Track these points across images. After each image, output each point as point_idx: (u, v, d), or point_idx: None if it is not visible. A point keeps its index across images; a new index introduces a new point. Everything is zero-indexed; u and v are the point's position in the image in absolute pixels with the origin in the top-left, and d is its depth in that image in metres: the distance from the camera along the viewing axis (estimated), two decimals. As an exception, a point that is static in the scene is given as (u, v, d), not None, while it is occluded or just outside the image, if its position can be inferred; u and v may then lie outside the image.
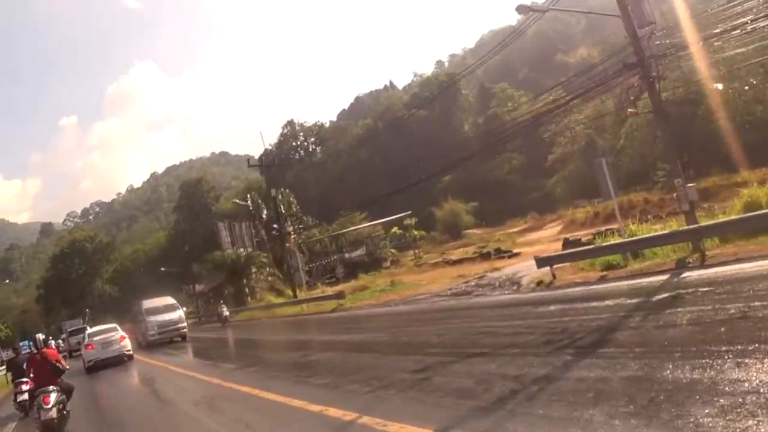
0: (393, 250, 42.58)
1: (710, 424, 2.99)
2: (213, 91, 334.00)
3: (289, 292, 30.87)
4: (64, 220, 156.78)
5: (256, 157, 65.90)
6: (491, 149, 41.07)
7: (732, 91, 30.74)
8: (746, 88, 31.96)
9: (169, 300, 22.40)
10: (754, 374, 3.58)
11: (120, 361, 17.14)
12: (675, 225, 13.58)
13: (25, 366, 9.30)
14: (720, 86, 27.20)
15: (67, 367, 8.33)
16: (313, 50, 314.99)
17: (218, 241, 40.06)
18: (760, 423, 2.87)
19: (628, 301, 7.73)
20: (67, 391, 7.68)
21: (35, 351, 8.25)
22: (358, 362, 8.08)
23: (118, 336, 17.76)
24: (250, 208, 40.00)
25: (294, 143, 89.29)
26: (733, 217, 11.80)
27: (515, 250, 26.04)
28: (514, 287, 13.82)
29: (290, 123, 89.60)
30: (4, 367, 21.75)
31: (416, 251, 40.55)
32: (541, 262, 13.12)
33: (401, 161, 62.04)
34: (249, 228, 39.41)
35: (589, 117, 46.61)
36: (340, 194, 64.24)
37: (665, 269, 10.14)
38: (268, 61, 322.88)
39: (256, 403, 6.71)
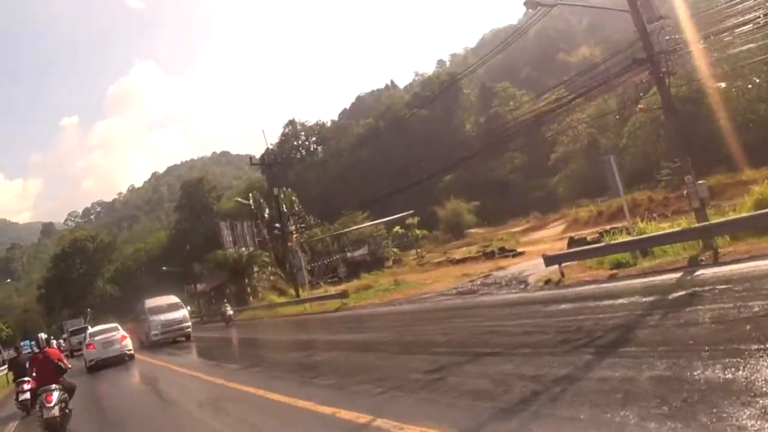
0: (395, 250, 42.43)
1: (755, 427, 2.81)
2: (214, 91, 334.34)
3: (292, 291, 30.73)
4: (66, 220, 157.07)
5: (258, 156, 65.67)
6: (493, 148, 40.89)
7: (735, 89, 30.56)
8: (749, 86, 31.78)
9: (173, 299, 21.96)
10: (793, 374, 3.41)
11: (121, 360, 17.17)
12: (684, 223, 13.40)
13: (27, 365, 9.33)
14: (723, 85, 27.04)
15: (69, 366, 8.31)
16: (314, 50, 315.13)
17: (220, 241, 39.89)
18: (809, 425, 2.69)
19: (644, 299, 7.54)
20: (69, 390, 7.71)
21: (37, 350, 8.27)
22: (365, 362, 7.88)
23: (119, 336, 17.81)
24: (252, 207, 39.85)
25: (295, 142, 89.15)
26: (744, 214, 11.63)
27: (519, 249, 25.85)
28: (521, 286, 13.63)
29: (292, 122, 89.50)
30: (5, 366, 21.70)
31: (418, 250, 40.38)
32: (550, 260, 12.93)
33: (403, 160, 61.86)
34: (251, 227, 39.23)
35: (591, 116, 46.46)
36: (341, 194, 64.10)
37: (678, 267, 9.95)
38: (270, 60, 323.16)
39: (261, 404, 6.53)
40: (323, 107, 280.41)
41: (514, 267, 18.64)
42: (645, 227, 14.22)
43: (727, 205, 17.64)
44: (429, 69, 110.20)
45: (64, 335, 38.04)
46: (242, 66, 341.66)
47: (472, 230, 48.88)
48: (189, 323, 20.67)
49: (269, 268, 36.76)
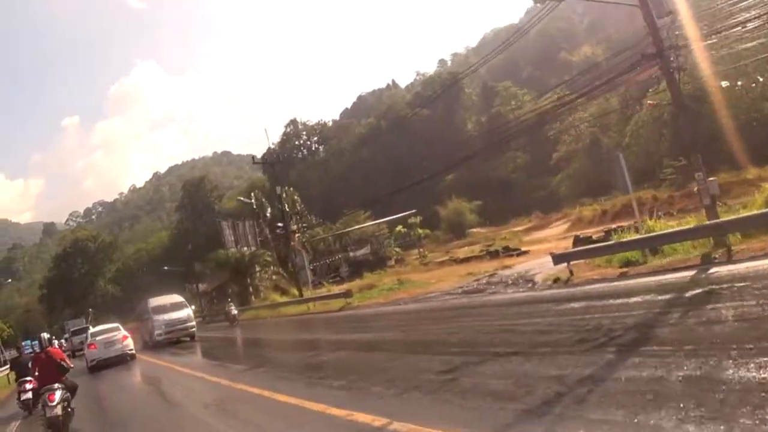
0: (397, 249, 42.25)
1: (805, 430, 2.64)
2: (215, 91, 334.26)
3: (294, 291, 30.57)
4: (67, 220, 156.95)
5: (259, 156, 65.53)
6: (495, 148, 40.74)
7: (739, 88, 30.38)
8: (753, 85, 31.60)
9: (177, 298, 21.58)
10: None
11: (122, 360, 17.17)
12: (694, 221, 13.23)
13: (30, 365, 9.33)
14: (725, 84, 26.86)
15: (72, 365, 8.28)
16: (315, 49, 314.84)
17: (221, 240, 39.71)
18: None
19: (659, 297, 7.37)
20: (71, 389, 7.76)
21: (39, 350, 8.31)
22: (375, 362, 7.68)
23: (120, 335, 17.84)
24: (254, 206, 39.70)
25: (297, 142, 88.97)
26: (756, 211, 11.46)
27: (523, 248, 25.68)
28: (529, 285, 13.46)
29: (293, 122, 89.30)
30: (7, 366, 21.62)
31: (421, 250, 40.21)
32: (558, 258, 12.75)
33: (404, 160, 61.71)
34: (253, 227, 39.06)
35: (593, 115, 46.31)
36: (343, 193, 63.97)
37: (690, 265, 9.79)
38: (271, 60, 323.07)
39: (269, 405, 6.32)
40: (324, 107, 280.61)
41: (519, 266, 18.46)
42: (654, 225, 14.05)
43: (733, 203, 17.49)
44: (430, 68, 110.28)
45: (66, 335, 37.93)
46: (243, 66, 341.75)
47: (474, 230, 48.71)
48: (193, 323, 20.26)
49: (271, 267, 36.60)
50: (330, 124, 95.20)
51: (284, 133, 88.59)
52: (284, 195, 32.80)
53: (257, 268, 36.14)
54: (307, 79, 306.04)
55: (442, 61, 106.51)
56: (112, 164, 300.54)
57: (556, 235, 32.40)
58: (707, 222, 11.33)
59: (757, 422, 2.85)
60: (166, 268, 54.39)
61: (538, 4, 12.98)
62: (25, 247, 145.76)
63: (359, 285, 25.08)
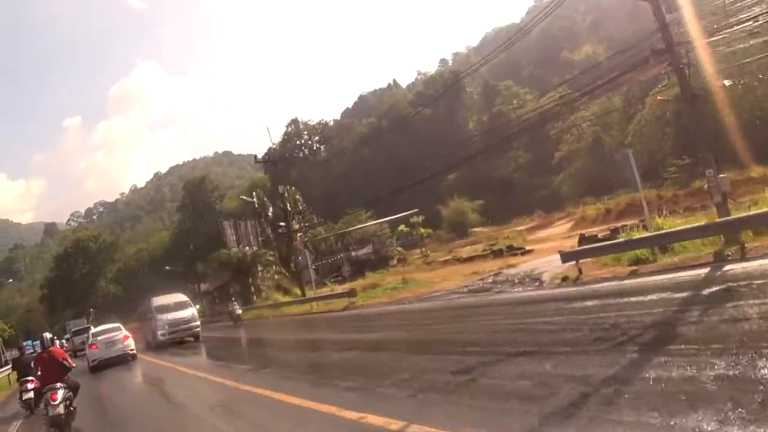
0: (399, 249, 42.08)
1: None
2: (216, 91, 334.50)
3: (296, 290, 30.42)
4: (68, 220, 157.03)
5: (260, 156, 65.35)
6: (497, 147, 40.58)
7: (742, 86, 30.18)
8: (756, 84, 31.40)
9: (181, 297, 21.06)
10: None
11: (124, 360, 17.17)
12: (704, 218, 13.06)
13: (32, 364, 9.46)
14: (727, 83, 26.66)
15: (74, 365, 8.28)
16: (316, 49, 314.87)
17: (223, 240, 39.51)
18: None
19: (676, 295, 7.19)
20: (73, 389, 7.82)
21: (42, 350, 8.28)
22: (385, 362, 7.45)
23: (121, 335, 17.89)
24: (256, 205, 39.53)
25: (298, 142, 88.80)
26: (767, 209, 11.30)
27: (528, 247, 25.48)
28: (536, 284, 13.29)
29: (294, 121, 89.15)
30: (9, 366, 21.54)
31: (423, 249, 40.04)
32: (567, 256, 12.58)
33: (406, 159, 61.51)
34: (254, 226, 38.85)
35: (596, 114, 46.15)
36: (344, 193, 63.84)
37: (703, 263, 9.62)
38: (272, 60, 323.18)
39: (277, 407, 6.08)
40: (325, 106, 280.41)
41: (524, 265, 18.28)
42: (663, 223, 13.88)
43: (740, 201, 17.30)
44: (431, 68, 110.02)
45: (67, 335, 37.85)
46: (244, 66, 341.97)
47: (476, 229, 48.54)
48: (198, 322, 19.75)
49: (273, 267, 36.43)
50: (331, 123, 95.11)
51: (285, 133, 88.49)
52: (286, 194, 32.63)
53: (259, 268, 36.00)
54: (308, 79, 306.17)
55: (443, 61, 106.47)
56: (113, 164, 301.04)
57: (560, 234, 32.21)
58: (719, 219, 11.17)
59: (806, 425, 2.69)
60: (167, 267, 54.28)
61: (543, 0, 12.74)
62: (27, 248, 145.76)
63: (362, 284, 24.94)
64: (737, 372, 3.67)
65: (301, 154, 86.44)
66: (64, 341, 34.50)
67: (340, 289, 25.07)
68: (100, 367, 16.65)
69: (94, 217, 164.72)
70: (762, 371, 3.55)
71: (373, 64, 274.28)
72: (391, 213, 42.28)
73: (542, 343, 6.09)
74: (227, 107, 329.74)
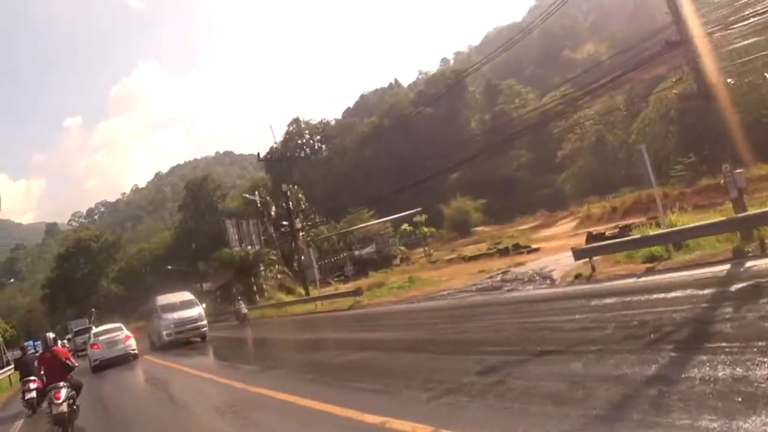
0: (402, 248, 41.85)
1: None
2: (217, 91, 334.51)
3: (300, 289, 30.18)
4: (69, 220, 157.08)
5: (262, 155, 64.97)
6: (499, 146, 40.35)
7: (747, 84, 29.93)
8: (761, 82, 31.15)
9: (187, 295, 20.33)
10: None
11: (125, 360, 17.09)
12: (715, 216, 12.82)
13: (36, 363, 9.59)
14: (731, 81, 26.41)
15: (77, 364, 8.38)
16: (317, 48, 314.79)
17: (225, 239, 39.37)
18: None
19: (701, 292, 6.94)
20: (76, 388, 7.90)
21: (44, 350, 8.40)
22: (403, 363, 7.12)
23: (122, 335, 17.85)
24: (258, 204, 39.34)
25: (299, 141, 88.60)
26: (785, 205, 11.07)
27: (534, 246, 25.24)
28: (547, 282, 13.05)
29: (296, 121, 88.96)
30: (11, 367, 21.40)
31: (426, 248, 39.81)
32: (580, 253, 12.33)
33: (408, 159, 61.25)
34: (257, 225, 38.73)
35: (599, 112, 45.90)
36: (346, 192, 63.64)
37: (722, 259, 9.37)
38: (273, 59, 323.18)
39: (292, 411, 5.71)
40: (327, 106, 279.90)
41: (532, 263, 18.03)
42: (676, 220, 13.64)
43: (749, 198, 17.05)
44: (432, 67, 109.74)
45: (69, 335, 37.67)
46: (245, 65, 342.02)
47: (479, 228, 48.35)
48: (205, 322, 19.06)
49: (276, 266, 36.19)
50: (333, 123, 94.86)
51: (287, 132, 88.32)
52: (289, 193, 32.42)
53: (262, 267, 35.73)
54: (309, 79, 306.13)
55: (444, 60, 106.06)
56: (114, 164, 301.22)
57: (564, 232, 31.97)
58: (736, 215, 10.93)
59: None
60: (169, 267, 54.11)
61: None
62: (28, 248, 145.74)
63: (367, 283, 24.69)
64: (792, 371, 3.43)
65: (302, 154, 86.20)
66: (65, 341, 34.29)
67: (344, 288, 24.80)
68: (101, 367, 16.56)
69: (96, 217, 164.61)
70: (820, 370, 3.31)
71: (375, 63, 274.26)
72: (393, 212, 42.06)
73: (567, 342, 5.84)
74: (228, 107, 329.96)
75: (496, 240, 33.53)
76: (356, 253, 41.04)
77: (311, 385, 6.94)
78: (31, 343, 28.66)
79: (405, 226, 44.00)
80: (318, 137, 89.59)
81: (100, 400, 10.93)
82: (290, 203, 31.76)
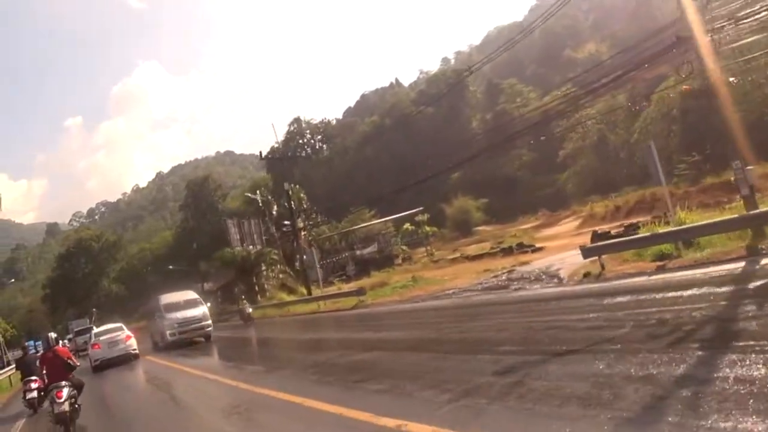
0: (404, 247, 41.70)
1: None
2: (217, 91, 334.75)
3: (302, 289, 30.01)
4: (70, 220, 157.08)
5: (263, 154, 64.83)
6: (500, 145, 40.20)
7: (750, 82, 29.77)
8: (763, 81, 30.97)
9: (191, 294, 19.87)
10: None
11: (126, 360, 17.05)
12: (723, 213, 12.66)
13: (38, 363, 9.65)
14: (733, 80, 26.26)
15: (78, 363, 8.39)
16: (318, 48, 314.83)
17: (227, 239, 39.22)
18: None
19: (718, 290, 6.77)
20: (78, 387, 7.96)
21: (45, 349, 8.40)
22: (414, 364, 6.90)
23: (123, 335, 17.80)
24: (260, 204, 39.18)
25: (300, 140, 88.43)
26: (797, 202, 10.91)
27: (538, 245, 25.07)
28: (555, 280, 12.87)
29: (297, 120, 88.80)
30: (12, 366, 21.29)
31: (428, 248, 39.65)
32: (588, 251, 12.15)
33: (409, 158, 61.15)
34: (258, 225, 38.58)
35: (600, 111, 45.72)
36: (347, 191, 63.52)
37: (736, 257, 9.20)
38: (273, 59, 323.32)
39: (301, 413, 5.52)
40: (328, 105, 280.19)
41: (537, 262, 17.85)
42: (685, 217, 13.46)
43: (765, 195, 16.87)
44: (433, 67, 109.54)
45: (70, 335, 37.55)
46: (246, 65, 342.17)
47: (480, 228, 48.20)
48: (209, 321, 18.55)
49: (278, 266, 36.02)
50: (334, 122, 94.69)
51: (288, 132, 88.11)
52: (290, 192, 32.25)
53: (263, 267, 35.57)
54: (309, 78, 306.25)
55: (445, 60, 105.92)
56: (115, 164, 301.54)
57: (568, 231, 31.79)
58: (747, 212, 10.77)
59: None
60: (170, 267, 54.00)
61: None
62: (29, 248, 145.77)
63: (370, 283, 24.54)
64: (834, 371, 3.26)
65: (303, 153, 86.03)
66: (66, 341, 34.16)
67: (347, 287, 24.63)
68: (102, 366, 16.50)
69: (96, 217, 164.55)
70: None
71: (375, 63, 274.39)
72: (395, 212, 41.92)
73: (584, 341, 5.66)
74: (229, 107, 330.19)
75: (498, 239, 33.36)
76: (358, 252, 40.88)
77: (323, 387, 6.76)
78: (32, 343, 28.53)
79: (407, 225, 43.84)
80: (319, 137, 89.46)
81: (101, 399, 10.82)
82: (292, 202, 31.58)
